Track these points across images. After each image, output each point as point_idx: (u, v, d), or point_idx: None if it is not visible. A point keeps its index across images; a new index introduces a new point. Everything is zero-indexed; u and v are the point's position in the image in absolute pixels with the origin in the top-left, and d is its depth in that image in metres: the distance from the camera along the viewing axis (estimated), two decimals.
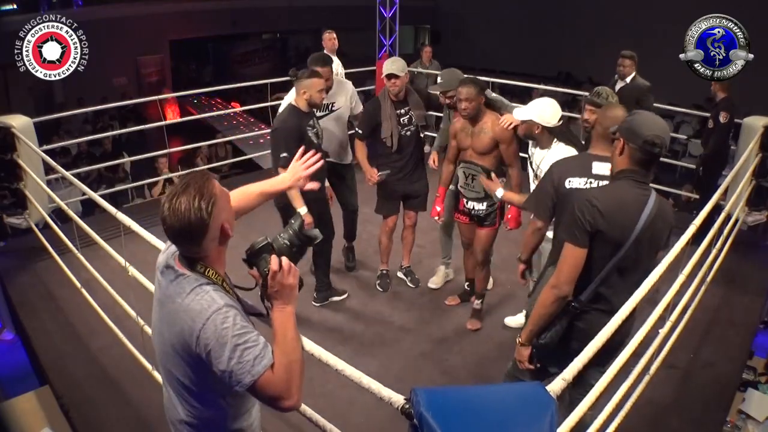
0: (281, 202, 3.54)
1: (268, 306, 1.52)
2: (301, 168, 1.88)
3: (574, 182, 2.44)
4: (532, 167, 3.27)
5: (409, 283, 4.26)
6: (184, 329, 1.42)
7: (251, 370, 1.38)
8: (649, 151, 2.04)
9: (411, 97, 3.84)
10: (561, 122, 3.10)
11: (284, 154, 3.29)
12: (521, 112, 3.10)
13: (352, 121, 4.28)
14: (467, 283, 4.00)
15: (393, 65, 3.68)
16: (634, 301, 2.08)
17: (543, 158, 3.11)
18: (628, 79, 4.85)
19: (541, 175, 2.86)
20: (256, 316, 1.59)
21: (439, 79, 3.79)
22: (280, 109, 3.84)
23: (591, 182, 2.45)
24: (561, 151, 3.01)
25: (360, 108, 4.16)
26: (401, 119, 3.80)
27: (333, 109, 4.06)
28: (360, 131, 3.87)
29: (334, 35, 5.69)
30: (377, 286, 4.23)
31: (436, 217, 3.78)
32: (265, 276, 1.46)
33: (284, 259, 1.47)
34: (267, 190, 1.86)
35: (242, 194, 1.80)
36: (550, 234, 2.76)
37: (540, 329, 2.25)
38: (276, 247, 1.51)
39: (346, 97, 4.12)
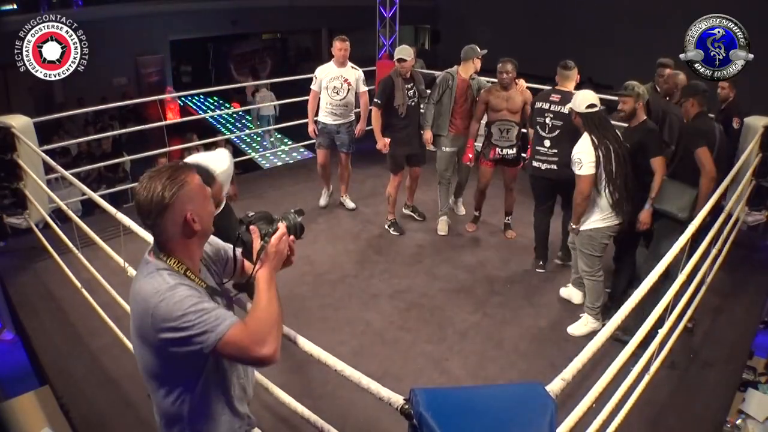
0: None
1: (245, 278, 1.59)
2: None
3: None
4: None
5: (417, 217, 5.33)
6: (139, 311, 1.45)
7: (215, 329, 1.39)
8: (705, 95, 3.61)
9: (416, 76, 4.86)
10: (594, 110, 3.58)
11: None
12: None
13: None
14: (477, 212, 5.15)
15: (403, 52, 4.72)
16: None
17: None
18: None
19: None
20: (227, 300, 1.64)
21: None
22: None
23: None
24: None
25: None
26: (408, 92, 4.75)
27: None
28: (378, 101, 4.75)
29: (347, 45, 5.14)
30: (392, 231, 5.07)
31: (469, 162, 4.86)
32: (263, 235, 1.55)
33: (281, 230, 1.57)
34: None
35: None
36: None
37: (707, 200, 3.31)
38: (286, 221, 1.62)
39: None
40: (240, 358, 1.49)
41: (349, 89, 5.18)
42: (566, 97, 4.05)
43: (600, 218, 3.56)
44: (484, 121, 4.87)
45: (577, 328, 3.76)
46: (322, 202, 5.59)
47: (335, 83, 5.15)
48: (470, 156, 4.79)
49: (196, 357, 1.44)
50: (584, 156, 3.46)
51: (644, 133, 3.57)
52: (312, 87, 5.27)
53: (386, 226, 5.12)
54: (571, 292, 4.07)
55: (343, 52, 5.12)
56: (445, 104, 4.77)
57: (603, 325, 3.34)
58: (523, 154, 4.65)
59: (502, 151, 4.67)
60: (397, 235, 5.04)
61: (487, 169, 4.83)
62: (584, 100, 3.53)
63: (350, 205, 5.57)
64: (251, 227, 1.56)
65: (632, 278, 3.79)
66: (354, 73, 5.22)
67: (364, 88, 5.29)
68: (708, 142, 3.46)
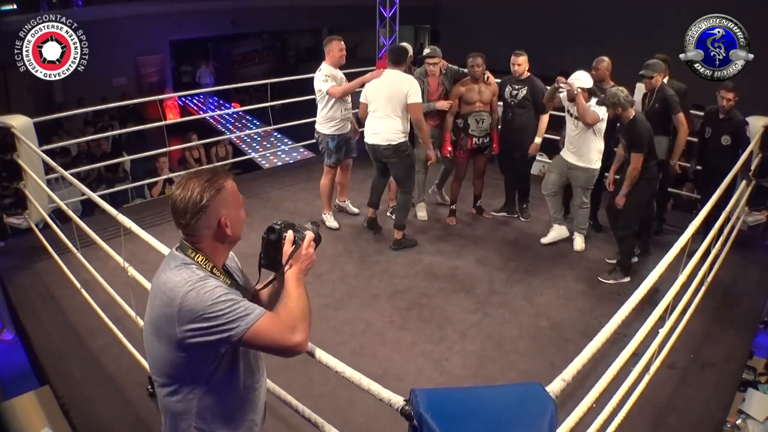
0: None
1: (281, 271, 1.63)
2: None
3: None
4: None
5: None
6: (163, 301, 1.45)
7: (245, 317, 1.42)
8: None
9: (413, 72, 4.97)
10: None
11: None
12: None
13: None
14: (453, 206, 5.32)
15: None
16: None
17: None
18: (664, 80, 4.69)
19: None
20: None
21: (429, 50, 5.09)
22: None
23: None
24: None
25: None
26: None
27: None
28: None
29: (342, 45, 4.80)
30: (393, 216, 5.02)
31: (448, 154, 5.08)
32: (296, 240, 1.63)
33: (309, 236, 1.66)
34: None
35: None
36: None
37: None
38: (310, 229, 1.71)
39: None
40: (270, 347, 1.50)
41: None
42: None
43: (597, 159, 4.56)
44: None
45: (577, 244, 4.81)
46: (335, 223, 5.14)
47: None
48: (449, 149, 5.05)
49: (217, 349, 1.45)
50: (601, 113, 4.40)
51: (627, 129, 4.16)
52: (332, 83, 4.67)
53: (388, 213, 5.32)
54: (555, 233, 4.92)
55: (344, 53, 4.81)
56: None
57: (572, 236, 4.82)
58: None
59: (478, 140, 5.00)
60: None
61: (463, 160, 5.12)
62: (589, 77, 4.47)
63: (354, 210, 5.42)
64: (288, 234, 1.64)
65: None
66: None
67: None
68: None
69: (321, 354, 1.80)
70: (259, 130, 10.90)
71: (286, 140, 11.12)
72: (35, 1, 12.11)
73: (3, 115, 4.62)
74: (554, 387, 1.63)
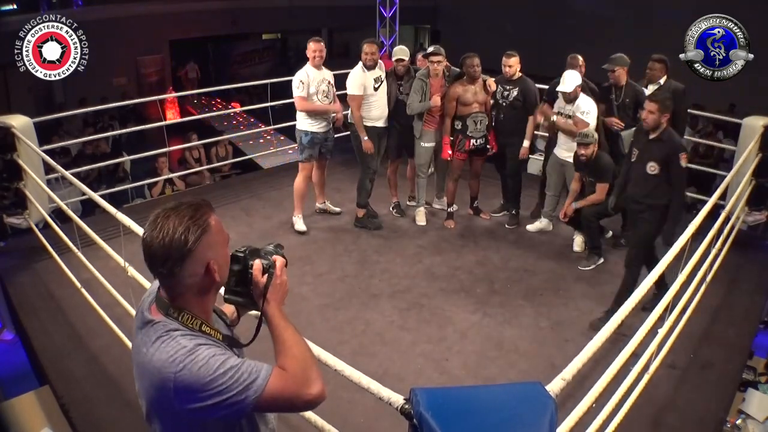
0: None
1: (258, 306, 1.41)
2: None
3: None
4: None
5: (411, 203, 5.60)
6: (154, 383, 1.26)
7: (252, 385, 1.24)
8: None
9: (407, 75, 5.05)
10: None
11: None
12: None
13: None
14: (451, 208, 5.28)
15: (402, 52, 5.02)
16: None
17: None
18: (661, 81, 4.67)
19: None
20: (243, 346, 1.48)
21: (432, 48, 4.99)
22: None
23: None
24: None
25: None
26: (399, 89, 5.01)
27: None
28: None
29: (323, 46, 4.89)
30: (394, 213, 5.44)
31: (448, 157, 5.04)
32: (267, 268, 1.39)
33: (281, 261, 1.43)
34: None
35: None
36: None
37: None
38: (277, 254, 1.47)
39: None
40: (288, 407, 1.35)
41: (333, 92, 4.95)
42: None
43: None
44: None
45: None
46: (303, 226, 5.07)
47: (323, 87, 4.83)
48: (449, 152, 5.02)
49: (227, 419, 1.29)
50: (594, 109, 4.52)
51: (593, 165, 4.40)
52: (300, 93, 4.78)
53: (390, 208, 5.47)
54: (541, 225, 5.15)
55: (321, 54, 4.82)
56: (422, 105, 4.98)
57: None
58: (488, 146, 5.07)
59: (476, 141, 4.98)
60: (399, 216, 5.40)
61: (460, 162, 5.08)
62: (576, 77, 4.54)
63: (335, 209, 5.42)
64: (255, 263, 1.39)
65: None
66: (330, 74, 4.97)
67: None
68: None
69: (321, 353, 1.80)
70: (259, 130, 10.89)
71: (286, 140, 11.12)
72: (35, 1, 12.11)
73: (3, 115, 4.63)
74: (554, 386, 1.63)
